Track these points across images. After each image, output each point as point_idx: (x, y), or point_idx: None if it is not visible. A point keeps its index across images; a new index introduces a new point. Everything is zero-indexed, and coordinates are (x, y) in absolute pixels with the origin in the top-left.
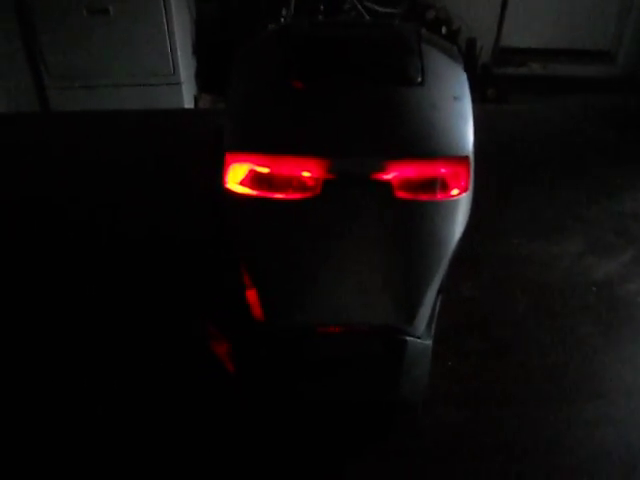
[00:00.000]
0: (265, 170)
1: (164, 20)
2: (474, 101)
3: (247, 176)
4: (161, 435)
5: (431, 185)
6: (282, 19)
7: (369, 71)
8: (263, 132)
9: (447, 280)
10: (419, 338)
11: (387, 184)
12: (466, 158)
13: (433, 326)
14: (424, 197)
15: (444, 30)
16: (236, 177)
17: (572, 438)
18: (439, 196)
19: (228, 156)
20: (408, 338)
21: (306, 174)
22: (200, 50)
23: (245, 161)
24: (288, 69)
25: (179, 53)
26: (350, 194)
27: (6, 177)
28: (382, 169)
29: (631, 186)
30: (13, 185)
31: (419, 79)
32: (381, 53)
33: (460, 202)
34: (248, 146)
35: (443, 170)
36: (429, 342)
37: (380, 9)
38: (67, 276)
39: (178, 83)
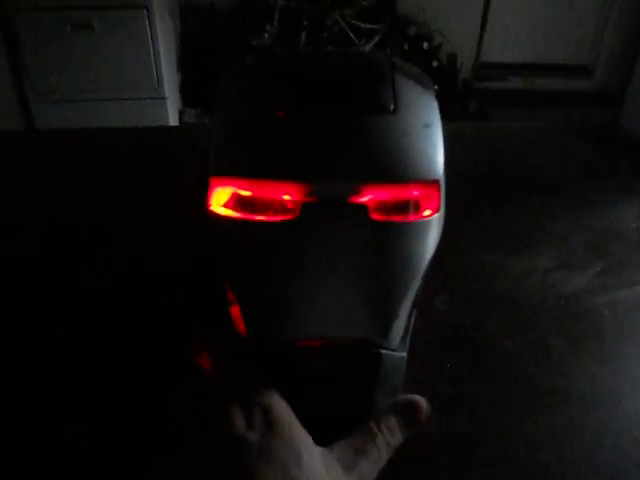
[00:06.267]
0: (247, 193)
1: (148, 34)
2: (456, 116)
3: (230, 199)
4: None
5: (404, 207)
6: (266, 34)
7: (345, 100)
8: (246, 157)
9: (421, 295)
10: (394, 351)
11: (363, 207)
12: (437, 181)
13: (407, 339)
14: (397, 218)
15: (425, 46)
16: (220, 200)
17: (548, 448)
18: (412, 217)
19: (212, 180)
20: (383, 351)
21: (286, 197)
22: (184, 64)
23: (228, 185)
24: (271, 98)
25: (163, 67)
26: (328, 216)
27: None
28: (358, 193)
29: (603, 200)
30: None
31: (392, 107)
32: (357, 83)
33: (432, 222)
34: (231, 171)
35: (416, 193)
36: (404, 354)
37: (362, 25)
38: (49, 299)
39: (163, 97)
